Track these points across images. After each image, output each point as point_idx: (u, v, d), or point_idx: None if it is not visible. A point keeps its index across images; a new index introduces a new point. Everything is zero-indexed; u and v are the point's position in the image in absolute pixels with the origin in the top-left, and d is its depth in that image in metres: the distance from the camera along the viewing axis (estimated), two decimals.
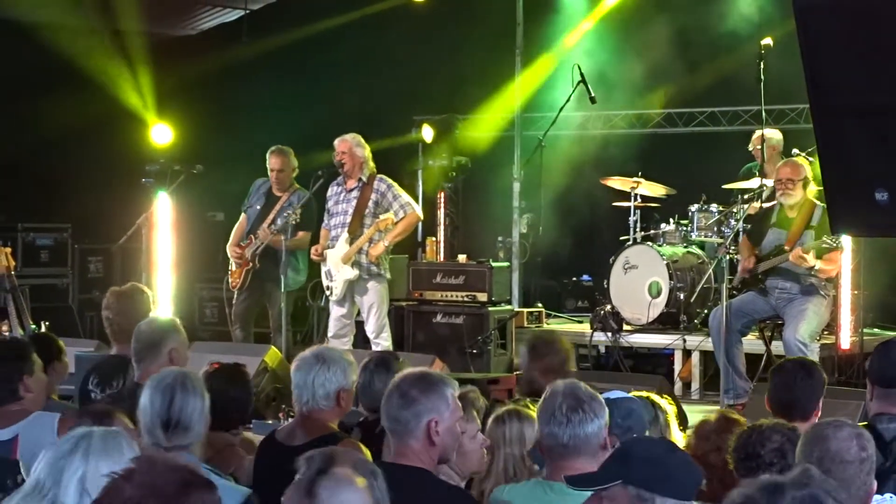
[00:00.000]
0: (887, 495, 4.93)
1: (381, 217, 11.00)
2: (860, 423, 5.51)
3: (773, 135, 12.05)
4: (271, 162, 11.64)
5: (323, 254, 11.20)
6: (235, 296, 11.76)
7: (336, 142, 11.20)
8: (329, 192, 11.35)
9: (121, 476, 3.17)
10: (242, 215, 11.92)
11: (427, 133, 14.93)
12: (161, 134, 13.41)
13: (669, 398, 5.84)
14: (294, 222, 11.08)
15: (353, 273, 11.03)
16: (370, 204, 11.08)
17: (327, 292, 11.27)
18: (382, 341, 11.00)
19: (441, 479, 4.85)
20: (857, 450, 4.24)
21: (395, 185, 11.28)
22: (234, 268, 11.76)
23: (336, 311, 11.22)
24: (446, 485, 4.80)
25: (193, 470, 3.23)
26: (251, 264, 11.57)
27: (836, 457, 4.21)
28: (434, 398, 4.69)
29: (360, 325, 11.34)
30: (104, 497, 3.19)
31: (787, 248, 10.18)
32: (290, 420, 6.83)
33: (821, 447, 4.24)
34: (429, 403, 4.67)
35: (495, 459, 5.30)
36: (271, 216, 11.57)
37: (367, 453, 5.45)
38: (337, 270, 11.09)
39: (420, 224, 12.98)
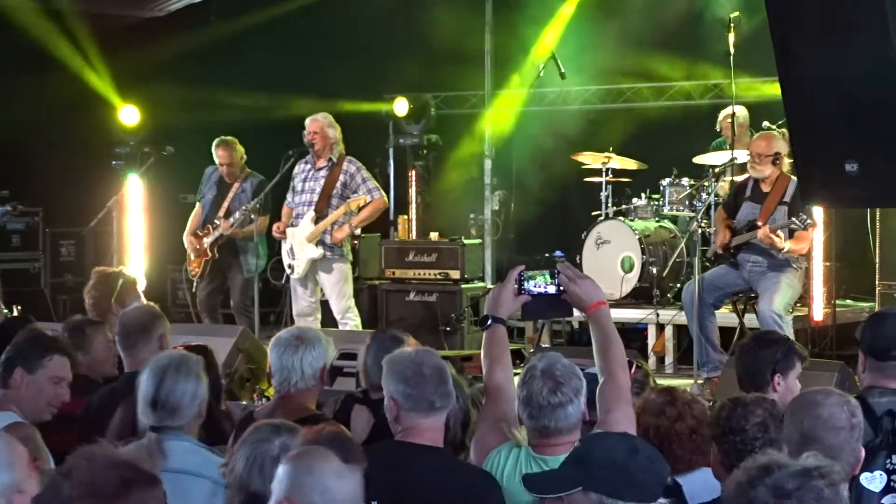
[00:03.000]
0: (877, 472, 4.92)
1: (353, 197, 10.95)
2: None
3: (739, 111, 12.00)
4: (218, 156, 11.76)
5: (285, 231, 11.14)
6: (195, 284, 11.81)
7: (307, 121, 11.14)
8: (296, 170, 11.26)
9: (60, 473, 3.08)
10: (198, 205, 11.96)
11: (401, 106, 14.64)
12: (129, 116, 13.35)
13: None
14: (252, 218, 11.17)
15: (317, 252, 10.95)
16: (338, 185, 11.01)
17: (288, 270, 11.16)
18: (349, 321, 10.96)
19: (460, 459, 4.91)
20: (848, 416, 4.24)
21: (364, 168, 11.22)
22: (192, 257, 11.79)
23: (299, 290, 11.16)
24: (468, 464, 4.84)
25: (135, 465, 3.13)
26: (210, 255, 11.61)
27: (826, 423, 4.21)
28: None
29: (326, 305, 11.29)
30: (43, 496, 3.11)
31: (759, 223, 10.09)
32: (266, 400, 6.84)
33: (811, 414, 4.24)
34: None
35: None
36: (225, 204, 11.69)
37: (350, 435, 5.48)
38: (300, 249, 11.01)
39: (392, 202, 12.95)
